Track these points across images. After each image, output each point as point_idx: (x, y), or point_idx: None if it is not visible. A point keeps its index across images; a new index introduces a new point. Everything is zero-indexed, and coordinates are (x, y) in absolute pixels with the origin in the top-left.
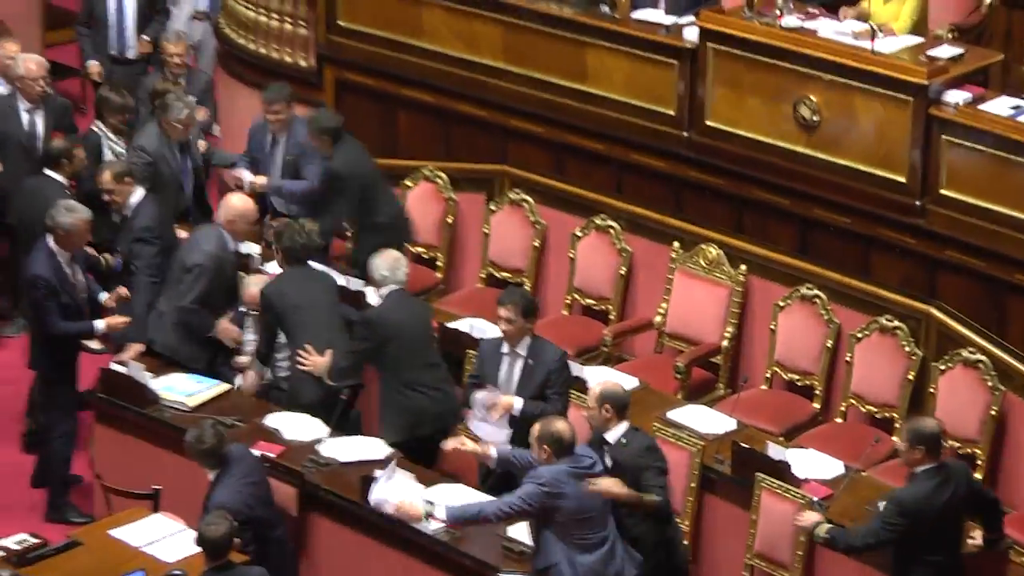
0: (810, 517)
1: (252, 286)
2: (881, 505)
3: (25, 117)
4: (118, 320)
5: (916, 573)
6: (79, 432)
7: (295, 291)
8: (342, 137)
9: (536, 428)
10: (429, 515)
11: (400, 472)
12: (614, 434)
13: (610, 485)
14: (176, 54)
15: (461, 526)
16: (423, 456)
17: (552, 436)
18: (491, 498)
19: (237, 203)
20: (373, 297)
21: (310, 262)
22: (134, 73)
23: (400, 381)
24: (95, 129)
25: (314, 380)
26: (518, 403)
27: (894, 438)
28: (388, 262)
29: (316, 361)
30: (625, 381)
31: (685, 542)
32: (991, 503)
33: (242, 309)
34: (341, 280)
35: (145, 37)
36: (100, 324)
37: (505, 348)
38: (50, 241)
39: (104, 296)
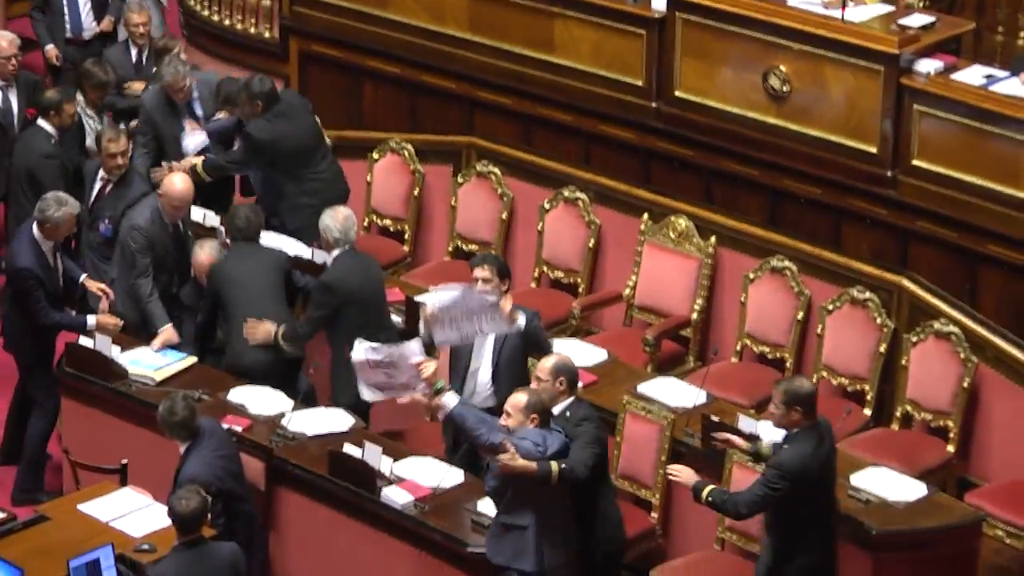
0: (684, 472)
1: (201, 253)
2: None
3: None
4: (109, 320)
5: (800, 533)
6: (58, 413)
7: (236, 267)
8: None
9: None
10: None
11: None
12: (561, 407)
13: (507, 459)
14: (140, 23)
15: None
16: None
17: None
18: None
19: (174, 182)
20: (320, 255)
21: (263, 238)
22: (91, 54)
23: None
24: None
25: (256, 348)
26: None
27: (865, 411)
28: (339, 222)
29: (256, 330)
30: (594, 354)
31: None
32: None
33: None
34: (304, 251)
35: (109, 16)
36: (91, 320)
37: None
38: (35, 230)
39: (83, 277)
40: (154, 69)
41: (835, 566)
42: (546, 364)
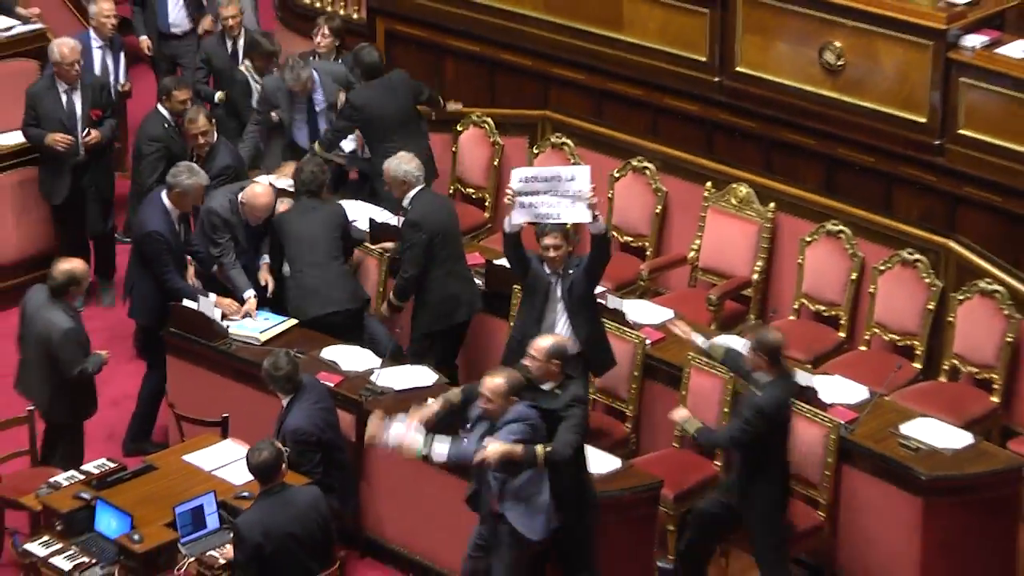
0: (680, 413)
1: (263, 196)
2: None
3: (64, 98)
4: (227, 303)
5: (760, 470)
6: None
7: (298, 222)
8: (373, 76)
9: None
10: (425, 455)
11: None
12: (550, 384)
13: (488, 454)
14: (231, 15)
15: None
16: (455, 343)
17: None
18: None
19: (256, 193)
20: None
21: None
22: (185, 47)
23: (443, 271)
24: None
25: (313, 299)
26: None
27: (915, 365)
28: (414, 165)
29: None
30: (661, 313)
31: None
32: None
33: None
34: (391, 218)
35: (209, 15)
36: (211, 298)
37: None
38: (164, 197)
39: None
40: (244, 60)
41: (787, 500)
42: (542, 344)
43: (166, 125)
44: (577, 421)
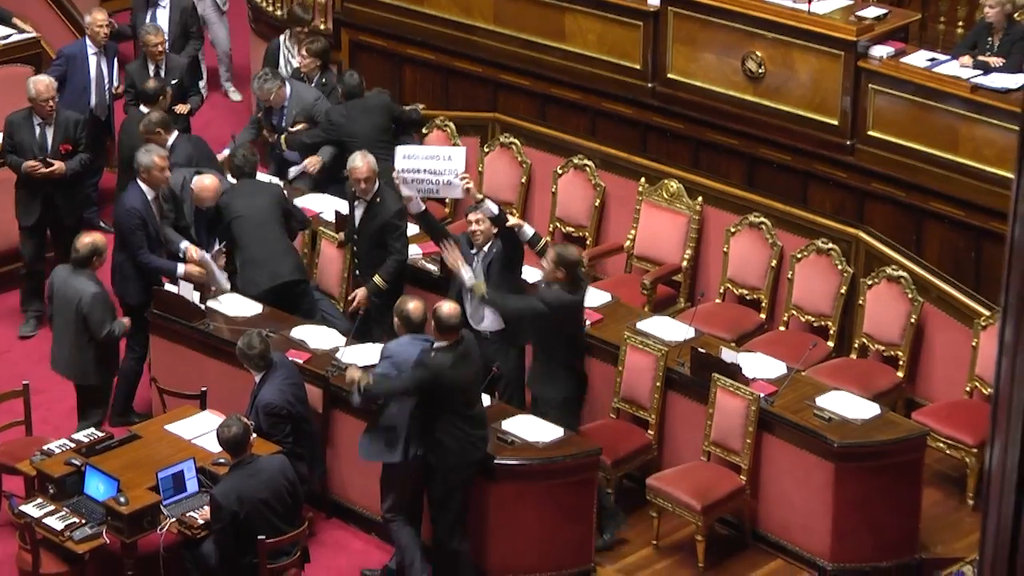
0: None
1: (205, 179)
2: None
3: (38, 130)
4: (195, 268)
5: (552, 372)
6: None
7: (241, 202)
8: (353, 96)
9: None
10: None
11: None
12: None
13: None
14: (158, 43)
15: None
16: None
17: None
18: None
19: (204, 183)
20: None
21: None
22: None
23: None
24: (278, 41)
25: (262, 272)
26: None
27: (828, 343)
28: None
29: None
30: (600, 297)
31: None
32: None
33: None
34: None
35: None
36: (181, 268)
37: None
38: (139, 180)
39: (184, 244)
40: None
41: (582, 401)
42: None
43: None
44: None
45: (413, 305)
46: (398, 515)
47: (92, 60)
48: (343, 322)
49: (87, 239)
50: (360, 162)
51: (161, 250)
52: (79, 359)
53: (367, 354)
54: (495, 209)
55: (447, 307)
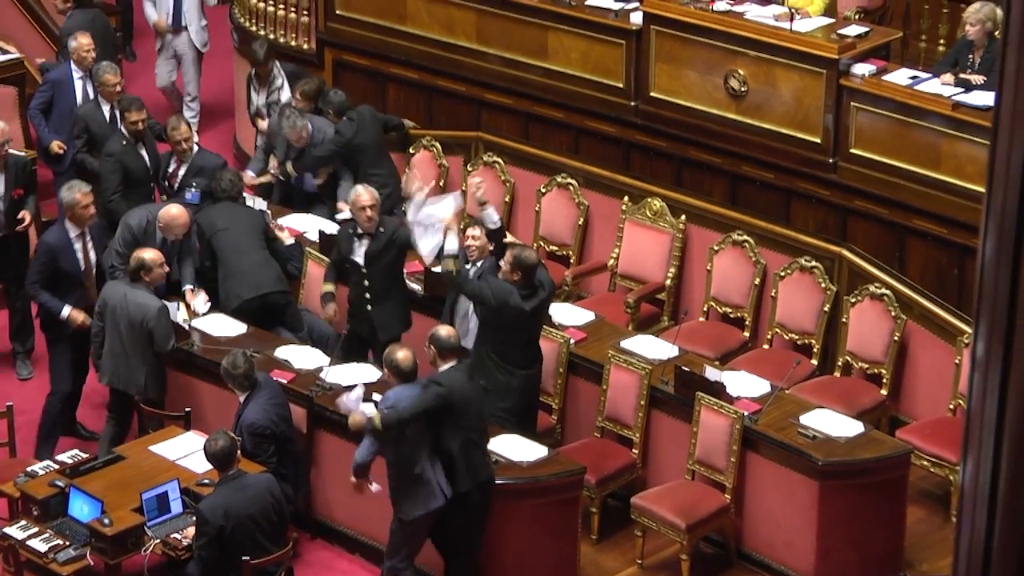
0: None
1: (169, 211)
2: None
3: None
4: (78, 315)
5: (505, 362)
6: (76, 397)
7: (221, 218)
8: (345, 112)
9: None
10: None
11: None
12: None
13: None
14: (116, 83)
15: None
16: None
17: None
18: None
19: (172, 213)
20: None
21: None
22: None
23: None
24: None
25: (243, 282)
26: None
27: (812, 361)
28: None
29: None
30: (583, 315)
31: (635, 451)
32: None
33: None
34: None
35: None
36: (66, 311)
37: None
38: (65, 218)
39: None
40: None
41: (536, 395)
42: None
43: (124, 142)
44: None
45: (403, 355)
46: (410, 565)
47: (78, 84)
48: (329, 329)
49: (135, 253)
50: (364, 191)
51: (79, 287)
52: (144, 373)
53: (352, 374)
54: (495, 218)
55: (444, 330)
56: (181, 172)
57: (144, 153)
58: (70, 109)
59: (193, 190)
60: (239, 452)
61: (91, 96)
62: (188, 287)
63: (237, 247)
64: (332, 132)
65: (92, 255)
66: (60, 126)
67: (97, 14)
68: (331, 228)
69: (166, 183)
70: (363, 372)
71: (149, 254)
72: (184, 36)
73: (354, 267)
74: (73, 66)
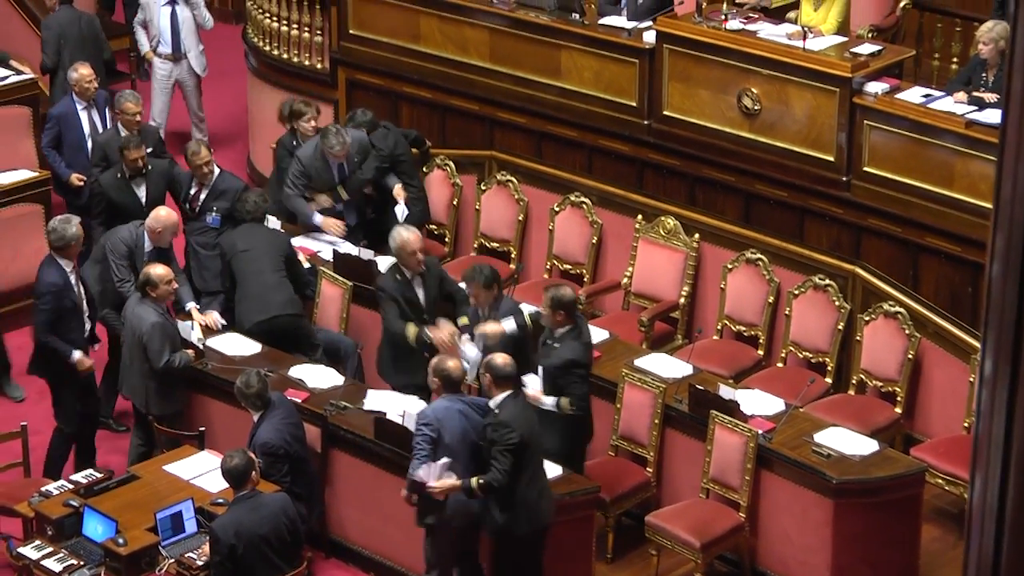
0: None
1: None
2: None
3: None
4: (85, 361)
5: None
6: (83, 437)
7: (243, 240)
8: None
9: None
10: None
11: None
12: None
13: (436, 492)
14: (137, 112)
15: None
16: None
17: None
18: None
19: (159, 216)
20: (366, 253)
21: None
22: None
23: None
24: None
25: (254, 305)
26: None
27: (826, 379)
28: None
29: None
30: (597, 334)
31: (649, 475)
32: None
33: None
34: (352, 249)
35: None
36: (76, 355)
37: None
38: (55, 255)
39: (190, 305)
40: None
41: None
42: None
43: (119, 175)
44: (504, 446)
45: (453, 364)
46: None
47: (83, 116)
48: (348, 341)
49: (144, 269)
50: (410, 235)
51: (81, 323)
52: (144, 388)
53: (390, 401)
54: (514, 325)
55: (500, 358)
56: (203, 196)
57: (141, 190)
58: (79, 141)
59: (214, 214)
60: (256, 472)
61: (98, 125)
62: (191, 305)
63: (254, 269)
64: (361, 136)
65: (81, 288)
66: (73, 159)
67: (84, 14)
68: (345, 247)
69: (187, 206)
70: (405, 401)
71: (157, 270)
72: (184, 64)
73: (416, 310)
74: (76, 98)
